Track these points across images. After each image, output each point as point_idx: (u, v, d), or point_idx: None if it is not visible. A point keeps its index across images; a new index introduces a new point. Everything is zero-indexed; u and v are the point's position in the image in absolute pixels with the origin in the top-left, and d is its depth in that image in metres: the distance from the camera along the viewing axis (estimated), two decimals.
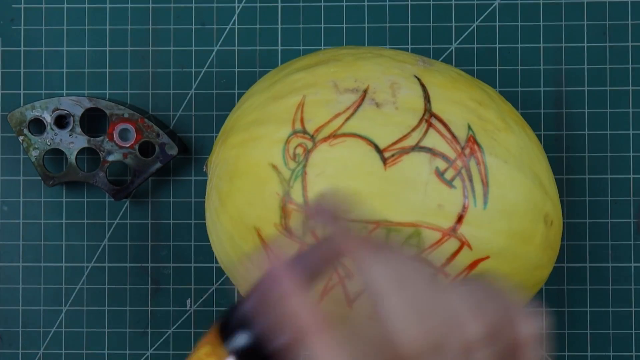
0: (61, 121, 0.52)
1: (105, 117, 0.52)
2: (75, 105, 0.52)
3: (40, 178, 0.54)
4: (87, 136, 0.52)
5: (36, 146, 0.52)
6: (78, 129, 0.52)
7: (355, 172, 0.40)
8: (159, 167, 0.52)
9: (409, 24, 0.54)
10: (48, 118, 0.52)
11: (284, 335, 0.33)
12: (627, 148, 0.53)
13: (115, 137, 0.52)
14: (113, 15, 0.55)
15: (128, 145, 0.52)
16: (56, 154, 0.54)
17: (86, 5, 0.55)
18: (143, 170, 0.52)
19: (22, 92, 0.55)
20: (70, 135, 0.52)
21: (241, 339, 0.33)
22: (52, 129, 0.52)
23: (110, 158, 0.52)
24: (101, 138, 0.52)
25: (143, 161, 0.52)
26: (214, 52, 0.54)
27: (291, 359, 0.34)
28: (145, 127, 0.52)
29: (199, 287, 0.54)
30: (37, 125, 0.53)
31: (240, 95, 0.54)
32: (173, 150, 0.52)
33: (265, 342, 0.33)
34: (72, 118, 0.52)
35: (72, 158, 0.52)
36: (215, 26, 0.54)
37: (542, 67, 0.54)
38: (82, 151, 0.53)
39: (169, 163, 0.53)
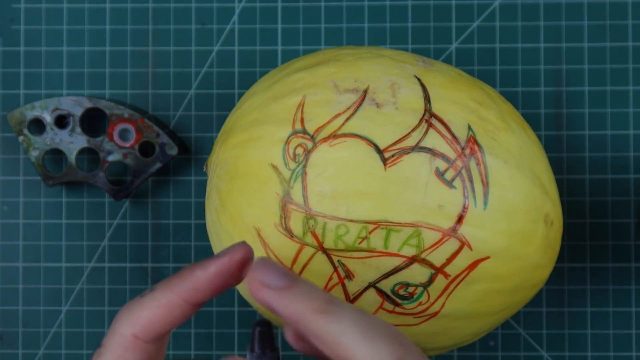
0: (61, 121, 0.52)
1: (105, 117, 0.52)
2: (75, 105, 0.52)
3: (40, 178, 0.54)
4: (87, 136, 0.52)
5: (36, 146, 0.52)
6: (78, 129, 0.52)
7: (355, 173, 0.40)
8: (159, 167, 0.52)
9: (409, 24, 0.54)
10: (48, 118, 0.52)
11: None
12: (627, 148, 0.53)
13: (115, 137, 0.52)
14: (113, 15, 0.55)
15: (128, 145, 0.52)
16: (56, 154, 0.54)
17: (86, 5, 0.55)
18: (143, 170, 0.52)
19: (22, 92, 0.55)
20: (70, 135, 0.52)
21: None
22: (52, 129, 0.52)
23: (110, 158, 0.52)
24: (101, 138, 0.52)
25: (143, 161, 0.52)
26: (214, 52, 0.54)
27: None
28: (145, 127, 0.52)
29: None
30: (37, 125, 0.53)
31: (240, 95, 0.54)
32: (173, 150, 0.52)
33: None
34: (72, 118, 0.52)
35: (72, 158, 0.52)
36: (215, 26, 0.54)
37: (542, 67, 0.54)
38: (82, 151, 0.53)
39: (169, 163, 0.53)
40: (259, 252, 0.42)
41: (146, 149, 0.53)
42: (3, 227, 0.55)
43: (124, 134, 0.52)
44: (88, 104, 0.52)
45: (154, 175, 0.53)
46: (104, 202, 0.54)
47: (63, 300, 0.54)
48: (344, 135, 0.41)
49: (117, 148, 0.52)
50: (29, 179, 0.55)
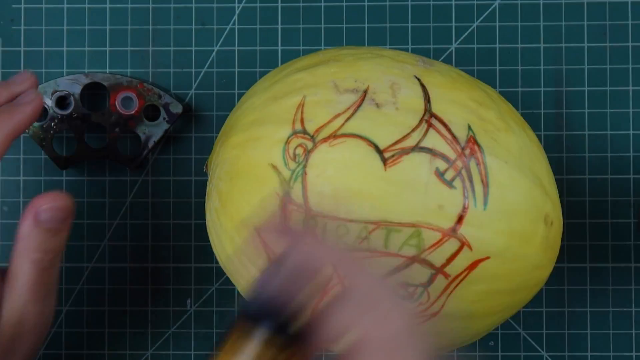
0: (62, 102, 0.52)
1: (104, 91, 0.52)
2: (73, 84, 0.52)
3: (41, 178, 0.54)
4: (90, 112, 0.52)
5: (42, 136, 0.52)
6: (80, 107, 0.52)
7: (355, 173, 0.40)
8: (167, 128, 0.52)
9: (409, 24, 0.54)
10: (49, 102, 0.52)
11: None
12: (627, 148, 0.53)
13: (118, 106, 0.52)
14: (113, 15, 0.55)
15: (132, 112, 0.52)
16: (65, 135, 0.53)
17: (86, 5, 0.55)
18: (152, 134, 0.52)
19: None
20: (73, 114, 0.52)
21: (269, 322, 0.34)
22: (54, 112, 0.52)
23: (117, 129, 0.52)
24: (104, 111, 0.52)
25: (150, 125, 0.52)
26: (214, 52, 0.54)
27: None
28: (146, 91, 0.52)
29: (199, 287, 0.54)
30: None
31: (240, 95, 0.54)
32: (178, 109, 0.52)
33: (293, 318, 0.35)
34: (72, 97, 0.52)
35: (80, 137, 0.52)
36: (215, 26, 0.54)
37: (542, 67, 0.54)
38: (89, 128, 0.52)
39: (169, 163, 0.53)
40: (259, 252, 0.42)
41: (151, 113, 0.52)
42: (3, 227, 0.54)
43: (126, 102, 0.52)
44: (85, 80, 0.52)
45: (160, 144, 0.52)
46: (104, 202, 0.54)
47: (63, 301, 0.54)
48: (344, 135, 0.41)
49: (122, 117, 0.52)
50: (29, 179, 0.55)
